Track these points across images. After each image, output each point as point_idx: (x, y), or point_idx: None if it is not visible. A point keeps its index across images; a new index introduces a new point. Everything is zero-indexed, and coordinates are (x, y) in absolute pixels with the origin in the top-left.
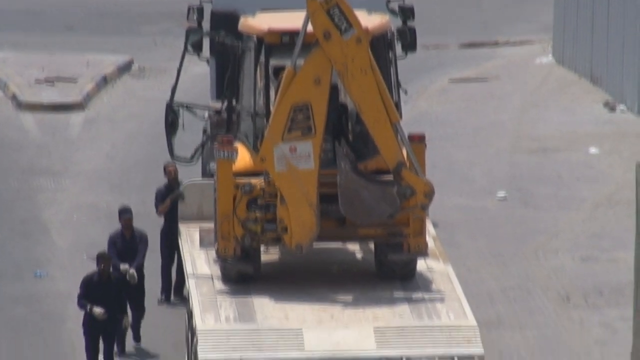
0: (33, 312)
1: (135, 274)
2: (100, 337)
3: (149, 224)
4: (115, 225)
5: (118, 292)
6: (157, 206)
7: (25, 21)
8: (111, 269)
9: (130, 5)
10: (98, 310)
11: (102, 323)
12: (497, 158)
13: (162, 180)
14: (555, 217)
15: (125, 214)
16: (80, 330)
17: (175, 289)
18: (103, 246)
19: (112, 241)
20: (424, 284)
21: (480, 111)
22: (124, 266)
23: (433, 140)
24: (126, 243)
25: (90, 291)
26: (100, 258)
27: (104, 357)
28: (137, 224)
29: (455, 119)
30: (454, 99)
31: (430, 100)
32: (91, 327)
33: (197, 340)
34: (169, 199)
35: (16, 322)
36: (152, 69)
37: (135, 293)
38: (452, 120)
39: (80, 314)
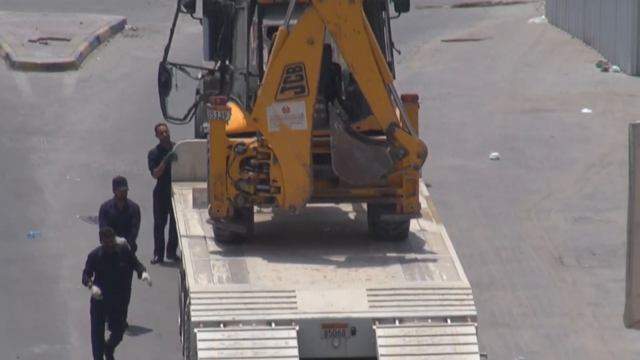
0: (26, 272)
1: (149, 279)
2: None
3: (142, 184)
4: (108, 184)
5: (124, 264)
6: (151, 168)
7: None
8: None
9: None
10: (95, 289)
11: (109, 299)
12: (490, 118)
13: (154, 141)
14: (548, 177)
15: (121, 185)
16: (73, 290)
17: (168, 250)
18: (96, 206)
19: (104, 211)
20: (417, 245)
21: (473, 71)
22: (95, 289)
23: (426, 101)
24: (118, 214)
25: (96, 266)
26: (103, 235)
27: (110, 330)
28: (131, 184)
29: (448, 80)
30: (447, 59)
31: (423, 61)
32: (98, 303)
33: (190, 301)
34: (164, 162)
35: (9, 282)
36: (146, 29)
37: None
38: (445, 81)
39: (74, 275)
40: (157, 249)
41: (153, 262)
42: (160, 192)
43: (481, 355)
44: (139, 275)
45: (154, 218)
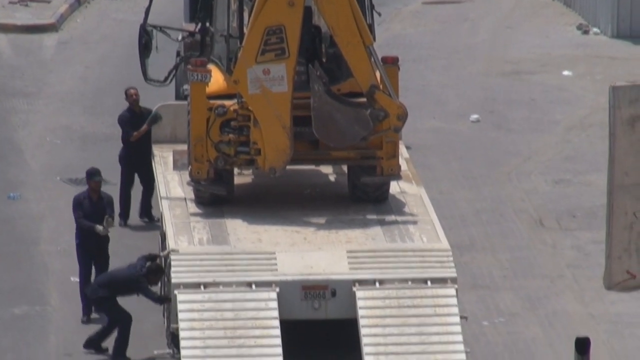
0: (6, 234)
1: (112, 221)
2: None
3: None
4: (88, 147)
5: (110, 210)
6: (127, 132)
7: None
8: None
9: None
10: (100, 227)
11: (95, 245)
12: (470, 81)
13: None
14: (529, 140)
15: (94, 176)
16: (53, 252)
17: (142, 211)
18: (76, 168)
19: (78, 202)
20: (397, 207)
21: (454, 34)
22: (99, 227)
23: (406, 63)
24: (92, 205)
25: (83, 211)
26: (89, 174)
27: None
28: (112, 146)
29: (429, 42)
30: (428, 22)
31: (404, 23)
32: (84, 248)
33: (170, 263)
34: (147, 124)
35: None
36: None
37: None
38: (425, 43)
39: (54, 236)
40: (122, 213)
41: (121, 225)
42: (127, 157)
43: (461, 317)
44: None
45: (121, 183)
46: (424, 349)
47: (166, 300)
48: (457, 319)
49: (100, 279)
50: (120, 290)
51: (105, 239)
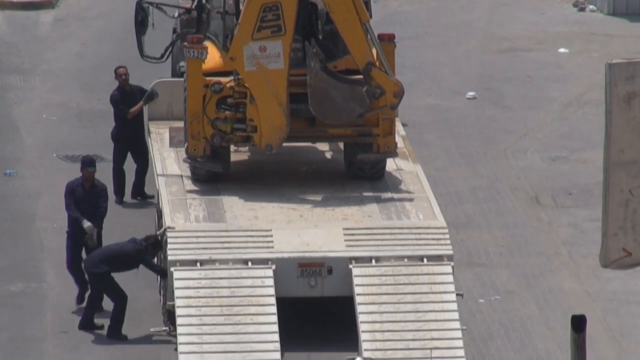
0: (2, 211)
1: (95, 237)
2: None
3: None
4: (84, 123)
5: (103, 200)
6: (122, 110)
7: None
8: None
9: None
10: (88, 224)
11: (84, 232)
12: (466, 58)
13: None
14: (525, 117)
15: (89, 166)
16: (49, 229)
17: (135, 189)
18: (72, 145)
19: (71, 190)
20: (393, 184)
21: (450, 11)
22: (87, 224)
23: (403, 40)
24: (85, 193)
25: (75, 198)
26: (84, 163)
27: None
28: (107, 123)
29: (425, 19)
30: None
31: (400, 0)
32: (74, 236)
33: (166, 240)
34: (143, 101)
35: None
36: None
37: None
38: (421, 20)
39: (50, 213)
40: (117, 190)
41: (117, 202)
42: (120, 135)
43: (457, 295)
44: (95, 226)
45: (114, 161)
46: (419, 326)
47: (165, 274)
48: (453, 297)
49: (102, 252)
50: (121, 264)
51: (97, 227)
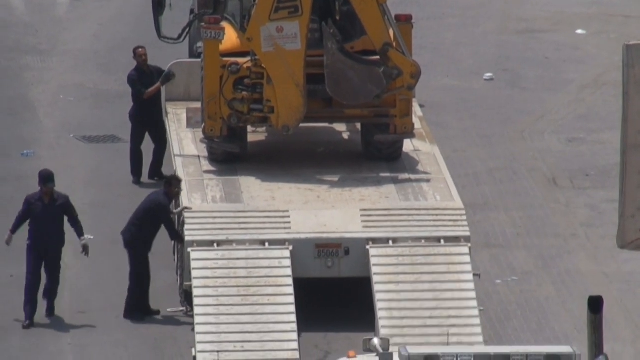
0: (20, 191)
1: (87, 246)
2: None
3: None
4: (101, 104)
5: (60, 215)
6: (139, 90)
7: None
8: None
9: None
10: (8, 237)
11: (44, 246)
12: (484, 39)
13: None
14: (542, 98)
15: (49, 182)
16: None
17: (153, 169)
18: (89, 126)
19: (28, 202)
20: (411, 165)
21: None
22: (83, 238)
23: (421, 21)
24: (45, 208)
25: (33, 210)
26: (43, 178)
27: (46, 273)
28: (124, 103)
29: (443, 0)
30: None
31: None
32: (34, 248)
33: (183, 220)
34: (160, 82)
35: (3, 201)
36: None
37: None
38: (439, 1)
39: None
40: (134, 171)
41: (134, 182)
42: (137, 115)
43: (474, 275)
44: (79, 236)
45: (131, 141)
46: (437, 304)
47: (180, 239)
48: (470, 277)
49: (132, 217)
50: (147, 222)
51: (57, 241)
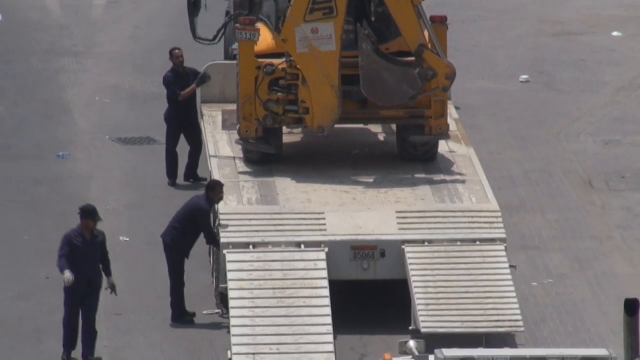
0: (55, 193)
1: (115, 286)
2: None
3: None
4: (137, 106)
5: (99, 251)
6: (174, 92)
7: None
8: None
9: None
10: (68, 275)
11: (84, 286)
12: (520, 41)
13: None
14: (578, 100)
15: (92, 218)
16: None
17: (188, 171)
18: (125, 128)
19: (68, 240)
20: (446, 167)
21: None
22: (111, 278)
23: (456, 24)
24: (86, 243)
25: (74, 247)
26: (87, 213)
27: (83, 323)
28: (160, 105)
29: (478, 2)
30: None
31: None
32: (73, 290)
33: (219, 223)
34: (195, 84)
35: (38, 202)
36: None
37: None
38: (474, 3)
39: (103, 195)
40: (170, 173)
41: (170, 184)
42: (173, 117)
43: (510, 267)
44: (107, 275)
45: (167, 143)
46: (475, 301)
47: (217, 244)
48: (507, 269)
49: (172, 221)
50: (188, 226)
51: (99, 277)
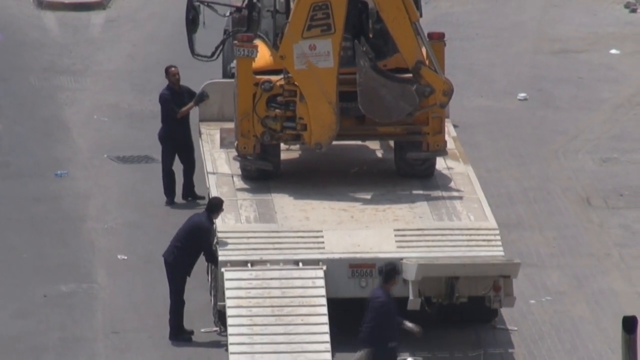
0: (53, 211)
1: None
2: None
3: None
4: (135, 124)
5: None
6: (171, 109)
7: None
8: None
9: None
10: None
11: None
12: (518, 59)
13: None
14: (576, 118)
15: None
16: (100, 230)
17: (185, 190)
18: (123, 146)
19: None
20: (444, 185)
21: (501, 12)
22: None
23: (454, 41)
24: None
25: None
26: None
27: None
28: (159, 125)
29: (476, 20)
30: (475, 0)
31: (452, 1)
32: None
33: (217, 241)
34: (194, 102)
35: (36, 221)
36: None
37: None
38: (472, 21)
39: (101, 214)
40: (167, 191)
41: (167, 204)
42: (167, 136)
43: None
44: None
45: (163, 162)
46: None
47: (216, 263)
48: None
49: (173, 239)
50: (190, 244)
51: None
